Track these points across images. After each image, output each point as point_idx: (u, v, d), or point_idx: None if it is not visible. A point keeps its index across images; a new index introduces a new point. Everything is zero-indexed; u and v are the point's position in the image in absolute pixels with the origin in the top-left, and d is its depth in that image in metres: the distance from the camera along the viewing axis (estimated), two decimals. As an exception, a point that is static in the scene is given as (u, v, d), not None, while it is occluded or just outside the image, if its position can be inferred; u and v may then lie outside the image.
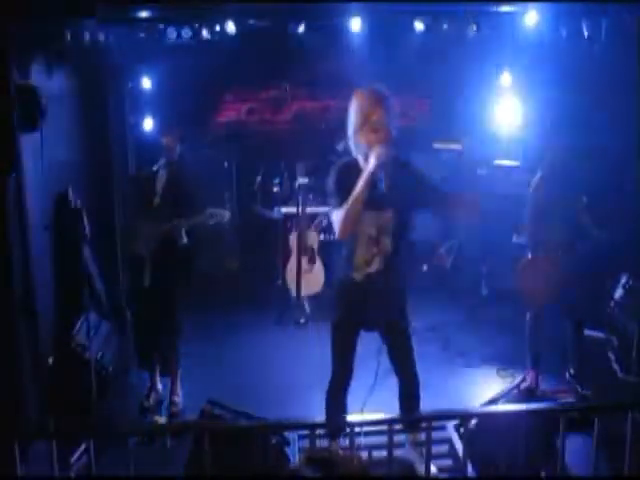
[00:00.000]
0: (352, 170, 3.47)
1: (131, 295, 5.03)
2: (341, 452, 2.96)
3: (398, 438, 3.57)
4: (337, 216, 3.45)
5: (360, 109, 3.46)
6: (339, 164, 3.60)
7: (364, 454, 3.11)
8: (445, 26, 5.19)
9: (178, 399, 4.76)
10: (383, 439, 3.65)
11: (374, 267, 3.59)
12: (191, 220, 4.56)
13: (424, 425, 3.19)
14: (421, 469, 3.74)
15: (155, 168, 4.61)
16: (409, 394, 3.85)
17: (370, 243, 3.55)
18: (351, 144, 3.54)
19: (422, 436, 3.82)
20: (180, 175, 4.63)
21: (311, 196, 6.41)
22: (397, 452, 3.33)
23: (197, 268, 5.12)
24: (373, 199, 3.42)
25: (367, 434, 3.48)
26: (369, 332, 3.76)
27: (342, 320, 3.77)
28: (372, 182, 3.38)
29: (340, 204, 3.44)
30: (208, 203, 4.69)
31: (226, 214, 4.69)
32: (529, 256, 4.80)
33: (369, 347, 3.74)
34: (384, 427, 3.04)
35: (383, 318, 3.67)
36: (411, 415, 3.81)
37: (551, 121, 5.64)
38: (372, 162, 3.36)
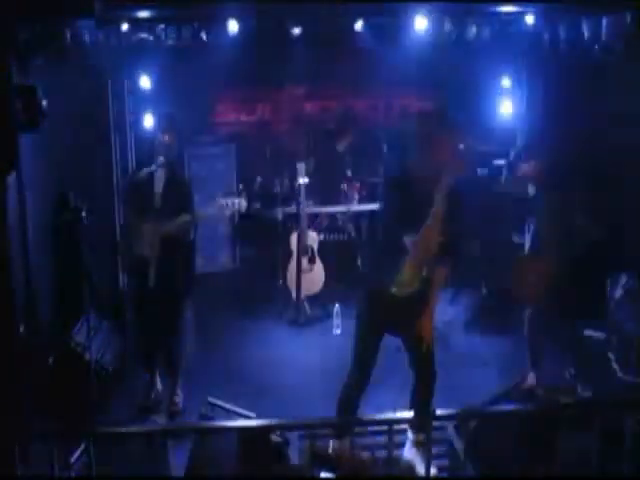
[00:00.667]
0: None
1: (133, 295, 5.01)
2: (345, 451, 2.97)
3: (398, 438, 3.57)
4: (416, 239, 3.41)
5: (431, 130, 3.44)
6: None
7: (367, 454, 3.12)
8: (446, 26, 5.19)
9: (178, 399, 4.76)
10: (381, 439, 3.69)
11: (415, 286, 3.60)
12: (203, 212, 4.51)
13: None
14: (421, 469, 3.76)
15: (153, 167, 4.56)
16: (423, 399, 3.84)
17: (418, 263, 3.54)
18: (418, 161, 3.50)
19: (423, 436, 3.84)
20: (181, 172, 4.59)
21: (311, 196, 6.40)
22: (396, 452, 3.34)
23: (197, 268, 5.13)
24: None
25: (369, 434, 3.49)
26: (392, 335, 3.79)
27: (369, 329, 3.78)
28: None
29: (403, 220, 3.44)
30: (210, 200, 4.63)
31: (242, 202, 4.56)
32: (529, 255, 4.81)
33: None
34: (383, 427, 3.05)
35: (410, 325, 3.68)
36: (419, 414, 3.80)
37: (552, 121, 5.65)
38: (447, 183, 3.36)
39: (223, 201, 4.50)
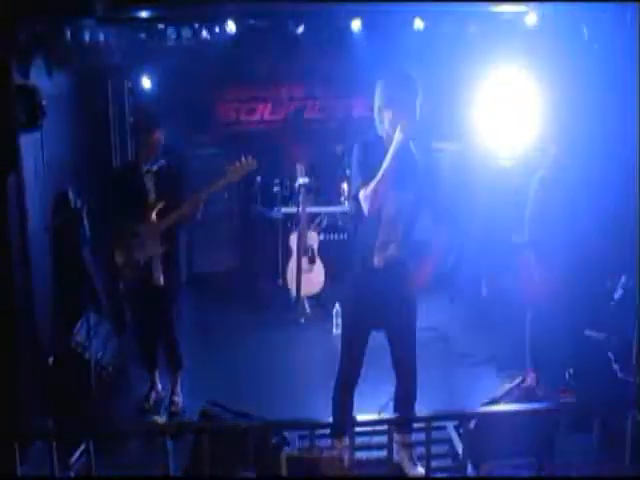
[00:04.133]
0: (376, 147, 3.52)
1: (132, 295, 5.00)
2: (323, 453, 2.96)
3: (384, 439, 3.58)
4: (367, 191, 3.43)
5: (387, 88, 3.51)
6: (362, 142, 3.62)
7: (347, 455, 3.10)
8: (444, 25, 5.19)
9: (178, 399, 4.76)
10: (377, 439, 3.69)
11: (389, 252, 3.60)
12: (211, 186, 4.39)
13: (424, 425, 3.19)
14: (410, 470, 3.76)
15: (153, 168, 4.52)
16: (405, 397, 3.83)
17: (389, 226, 3.58)
18: (377, 122, 3.58)
19: (411, 437, 3.84)
20: (174, 166, 4.56)
21: (311, 196, 6.41)
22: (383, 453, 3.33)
23: (197, 268, 5.13)
24: (395, 177, 3.45)
25: (362, 434, 3.48)
26: (378, 330, 3.77)
27: (354, 314, 3.77)
28: (398, 158, 3.41)
29: (365, 181, 3.46)
30: (209, 201, 4.57)
31: (253, 163, 4.44)
32: (529, 256, 4.80)
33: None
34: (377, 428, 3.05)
35: (393, 315, 3.68)
36: (403, 414, 3.81)
37: (552, 122, 5.64)
38: (399, 136, 3.39)
39: (228, 169, 4.40)
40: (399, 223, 3.59)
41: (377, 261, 3.60)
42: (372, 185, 3.40)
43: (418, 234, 3.73)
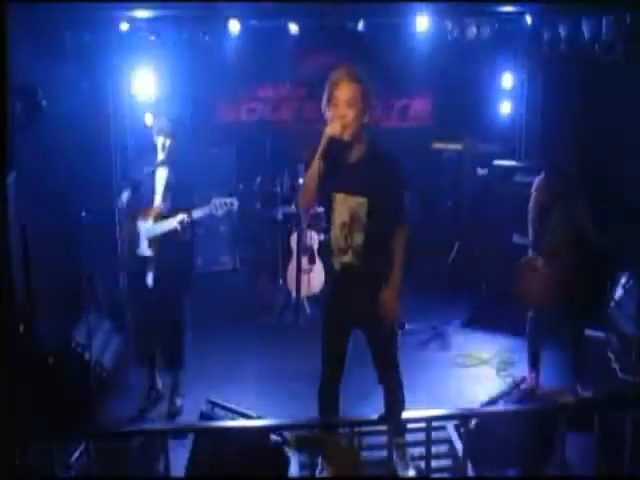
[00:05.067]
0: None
1: (133, 295, 5.01)
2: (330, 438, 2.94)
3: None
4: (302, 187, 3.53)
5: (330, 81, 3.48)
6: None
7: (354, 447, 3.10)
8: (446, 25, 5.19)
9: (178, 399, 4.76)
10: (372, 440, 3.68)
11: (346, 258, 3.52)
12: (198, 212, 4.49)
13: (424, 425, 3.19)
14: (402, 471, 3.75)
15: (152, 168, 4.56)
16: (392, 401, 3.76)
17: (344, 231, 3.49)
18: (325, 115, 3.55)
19: (405, 438, 3.83)
20: (179, 171, 4.60)
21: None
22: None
23: (197, 268, 5.12)
24: (341, 179, 3.44)
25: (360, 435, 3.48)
26: (356, 328, 3.70)
27: (330, 309, 3.75)
28: (330, 157, 3.38)
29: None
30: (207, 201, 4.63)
31: (234, 202, 4.56)
32: (530, 256, 4.80)
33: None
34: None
35: (364, 315, 3.58)
36: (395, 423, 3.70)
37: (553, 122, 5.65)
38: (325, 134, 3.39)
39: (217, 201, 4.49)
40: (356, 231, 3.47)
41: (336, 264, 3.58)
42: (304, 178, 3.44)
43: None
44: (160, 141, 4.53)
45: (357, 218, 3.46)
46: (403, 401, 3.77)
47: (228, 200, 4.53)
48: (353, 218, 3.46)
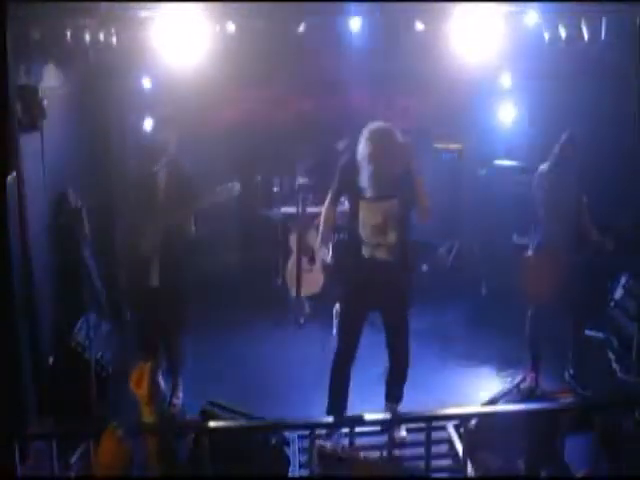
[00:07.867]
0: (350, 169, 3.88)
1: (134, 295, 5.00)
2: (355, 452, 2.96)
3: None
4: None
5: (366, 144, 3.81)
6: (342, 164, 4.02)
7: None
8: (444, 24, 5.18)
9: (178, 399, 4.76)
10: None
11: (379, 253, 3.85)
12: (200, 202, 4.52)
13: (424, 425, 3.19)
14: (395, 433, 3.88)
15: (155, 168, 4.56)
16: (397, 370, 4.09)
17: (376, 231, 3.81)
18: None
19: (401, 435, 3.89)
20: (181, 168, 4.60)
21: (311, 196, 6.40)
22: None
23: (197, 267, 5.11)
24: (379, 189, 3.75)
25: (358, 434, 3.48)
26: (372, 311, 4.03)
27: (352, 296, 4.03)
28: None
29: (333, 199, 4.02)
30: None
31: (236, 186, 4.62)
32: (531, 255, 4.81)
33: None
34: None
35: (386, 300, 3.95)
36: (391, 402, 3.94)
37: (554, 121, 5.64)
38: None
39: (218, 188, 4.55)
40: (389, 230, 3.82)
41: (367, 253, 3.88)
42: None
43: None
44: (162, 139, 4.54)
45: (389, 220, 3.81)
46: (406, 374, 4.10)
47: (229, 184, 4.60)
48: (385, 220, 3.81)
